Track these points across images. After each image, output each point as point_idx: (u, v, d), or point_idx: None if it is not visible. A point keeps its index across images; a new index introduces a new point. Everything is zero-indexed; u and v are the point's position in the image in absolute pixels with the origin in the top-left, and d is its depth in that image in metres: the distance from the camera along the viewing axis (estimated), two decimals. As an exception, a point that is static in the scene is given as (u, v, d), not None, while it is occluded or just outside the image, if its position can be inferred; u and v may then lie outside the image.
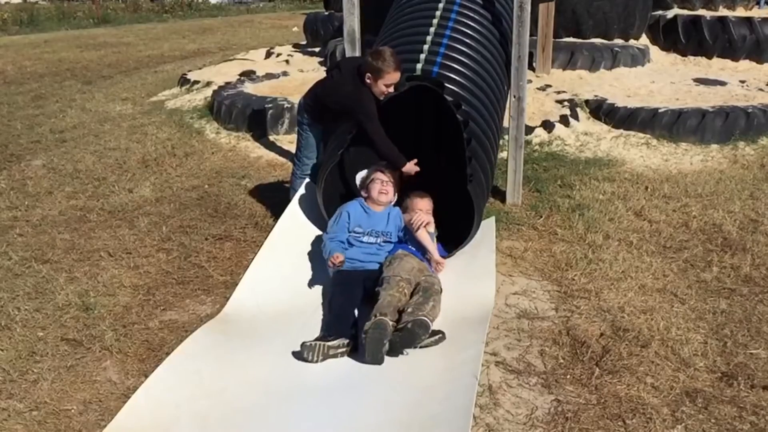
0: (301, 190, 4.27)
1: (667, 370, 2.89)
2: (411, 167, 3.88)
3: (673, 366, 2.92)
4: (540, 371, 2.91)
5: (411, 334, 2.94)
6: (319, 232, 4.01)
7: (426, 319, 2.99)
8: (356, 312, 3.26)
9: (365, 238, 3.63)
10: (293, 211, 4.14)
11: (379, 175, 3.79)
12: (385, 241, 3.65)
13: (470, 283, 3.58)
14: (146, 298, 3.66)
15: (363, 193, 3.87)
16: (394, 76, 3.78)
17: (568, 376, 2.87)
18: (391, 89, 3.82)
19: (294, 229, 4.02)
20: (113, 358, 3.13)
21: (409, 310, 3.06)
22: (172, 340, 3.24)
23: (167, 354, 3.03)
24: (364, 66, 3.80)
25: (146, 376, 2.87)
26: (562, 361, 2.98)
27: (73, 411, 2.77)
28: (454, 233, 3.89)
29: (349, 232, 3.65)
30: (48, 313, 3.52)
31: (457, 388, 2.64)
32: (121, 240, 4.35)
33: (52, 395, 2.87)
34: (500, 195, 4.83)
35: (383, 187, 3.74)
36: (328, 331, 3.09)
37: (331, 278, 3.50)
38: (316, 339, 2.99)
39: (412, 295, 3.23)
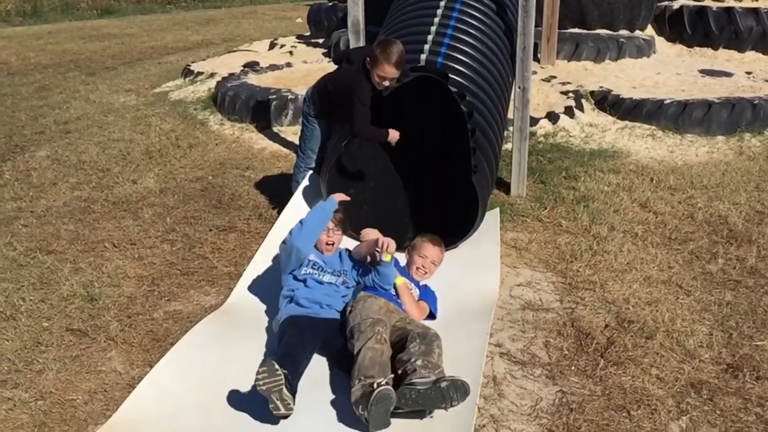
0: (305, 182, 4.27)
1: (672, 362, 2.88)
2: (394, 135, 3.92)
3: (678, 357, 2.91)
4: (544, 362, 2.91)
5: (441, 396, 2.42)
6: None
7: (467, 383, 2.44)
8: (306, 362, 2.75)
9: (326, 278, 3.18)
10: (297, 202, 4.14)
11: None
12: (343, 283, 3.21)
13: (474, 274, 3.58)
14: (151, 288, 3.66)
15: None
16: (388, 71, 3.74)
17: (573, 368, 2.87)
18: (386, 83, 3.81)
19: (297, 221, 4.01)
20: (118, 348, 3.14)
21: (418, 362, 2.56)
22: (177, 330, 3.24)
23: (172, 344, 3.04)
24: (370, 51, 3.80)
25: (151, 367, 2.88)
26: (566, 352, 2.97)
27: (78, 401, 2.78)
28: (458, 224, 3.88)
29: (305, 268, 3.19)
30: (53, 303, 3.53)
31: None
32: (126, 231, 4.36)
33: (58, 385, 2.88)
34: (504, 186, 4.81)
35: (329, 237, 3.31)
36: (281, 364, 2.51)
37: (281, 323, 3.01)
38: (284, 373, 2.45)
39: (406, 342, 2.71)
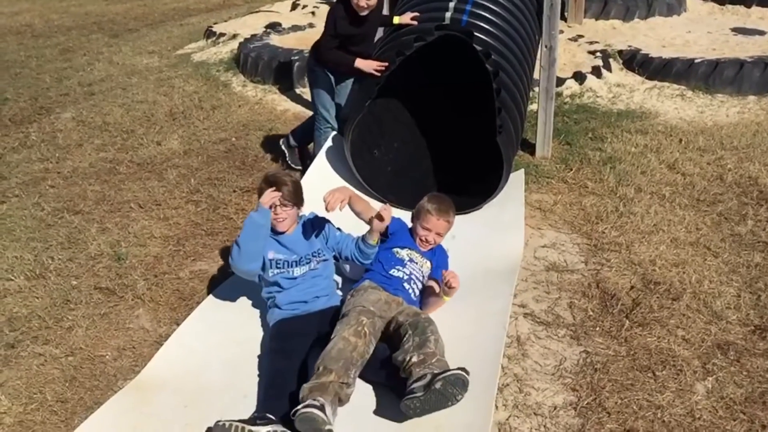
0: (328, 143, 4.25)
1: (698, 323, 2.86)
2: (365, 64, 3.92)
3: (704, 319, 2.89)
4: (569, 323, 2.90)
5: (442, 396, 2.26)
6: (346, 186, 3.98)
7: (461, 373, 2.27)
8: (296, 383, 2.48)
9: (297, 271, 2.86)
10: (320, 164, 4.13)
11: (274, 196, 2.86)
12: (319, 263, 2.92)
13: (499, 235, 3.56)
14: (176, 248, 3.70)
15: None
16: None
17: (598, 328, 2.86)
18: (363, 3, 3.85)
19: (320, 183, 3.99)
20: (145, 306, 3.18)
21: (413, 358, 2.39)
22: (202, 289, 3.28)
23: (198, 303, 3.08)
24: None
25: (178, 324, 2.93)
26: (591, 313, 2.96)
27: (107, 357, 2.84)
28: (483, 185, 3.84)
29: (270, 270, 2.86)
30: (81, 262, 3.58)
31: (485, 339, 2.64)
32: (151, 192, 4.39)
33: (87, 342, 2.94)
34: (530, 147, 4.75)
35: (278, 214, 2.87)
36: (260, 409, 2.40)
37: (271, 326, 2.82)
38: (239, 420, 2.26)
39: (401, 337, 2.54)
